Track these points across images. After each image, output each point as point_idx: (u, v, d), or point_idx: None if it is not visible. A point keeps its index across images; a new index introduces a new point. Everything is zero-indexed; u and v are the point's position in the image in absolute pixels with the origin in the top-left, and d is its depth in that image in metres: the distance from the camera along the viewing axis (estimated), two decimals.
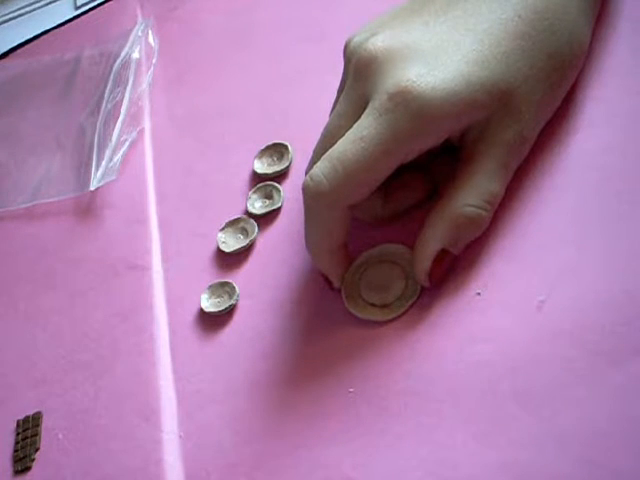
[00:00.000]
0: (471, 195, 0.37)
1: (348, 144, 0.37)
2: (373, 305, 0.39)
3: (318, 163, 0.38)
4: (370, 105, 0.37)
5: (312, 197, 0.38)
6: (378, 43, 0.39)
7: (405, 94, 0.36)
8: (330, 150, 0.38)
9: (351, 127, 0.38)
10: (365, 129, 0.37)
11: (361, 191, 0.38)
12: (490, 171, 0.37)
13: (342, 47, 0.51)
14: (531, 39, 0.38)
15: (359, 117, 0.38)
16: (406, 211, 0.41)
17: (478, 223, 0.37)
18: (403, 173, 0.39)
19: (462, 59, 0.37)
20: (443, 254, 0.37)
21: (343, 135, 0.38)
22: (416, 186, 0.41)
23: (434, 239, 0.37)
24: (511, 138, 0.37)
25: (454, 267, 0.38)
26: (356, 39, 0.41)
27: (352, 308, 0.39)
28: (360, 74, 0.39)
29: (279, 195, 0.46)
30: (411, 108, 0.36)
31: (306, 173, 0.40)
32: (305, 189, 0.38)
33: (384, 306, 0.39)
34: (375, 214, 0.41)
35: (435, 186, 0.40)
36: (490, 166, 0.37)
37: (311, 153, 0.47)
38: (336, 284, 0.40)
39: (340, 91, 0.42)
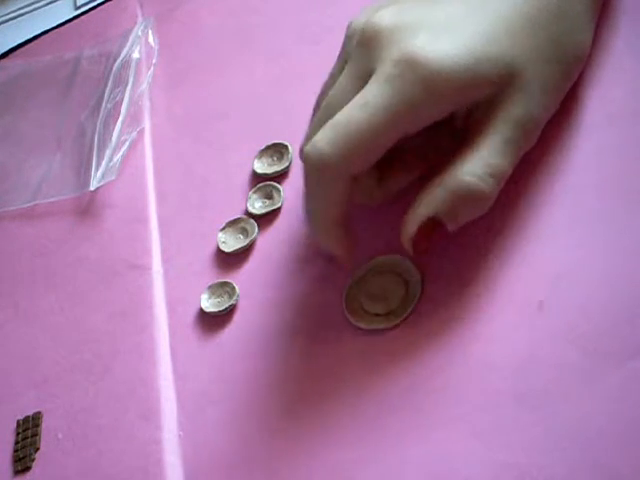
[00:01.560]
0: (474, 165, 0.35)
1: (353, 111, 0.36)
2: (377, 315, 0.39)
3: (320, 132, 0.36)
4: (375, 73, 0.36)
5: (315, 167, 0.36)
6: (385, 17, 0.38)
7: (411, 61, 0.35)
8: (332, 119, 0.36)
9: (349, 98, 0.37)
10: (370, 96, 0.35)
11: (366, 159, 0.36)
12: (497, 145, 0.36)
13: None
14: (539, 23, 0.37)
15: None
16: (401, 190, 0.40)
17: (478, 197, 0.35)
18: (398, 153, 0.38)
19: (470, 34, 0.36)
20: (434, 223, 0.36)
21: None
22: (412, 164, 0.39)
23: (426, 204, 0.36)
24: (520, 115, 0.36)
25: (455, 268, 0.38)
26: (360, 17, 0.40)
27: (356, 321, 0.39)
28: (365, 46, 0.38)
29: (279, 195, 0.46)
30: (418, 75, 0.35)
31: (301, 149, 0.39)
32: (307, 158, 0.37)
33: (387, 314, 0.39)
34: (370, 194, 0.40)
35: (431, 166, 0.38)
36: (497, 140, 0.36)
37: None
38: (343, 258, 0.39)
39: (336, 70, 0.41)
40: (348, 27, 0.41)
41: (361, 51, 0.38)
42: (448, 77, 0.35)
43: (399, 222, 0.41)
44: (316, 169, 0.36)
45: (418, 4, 0.39)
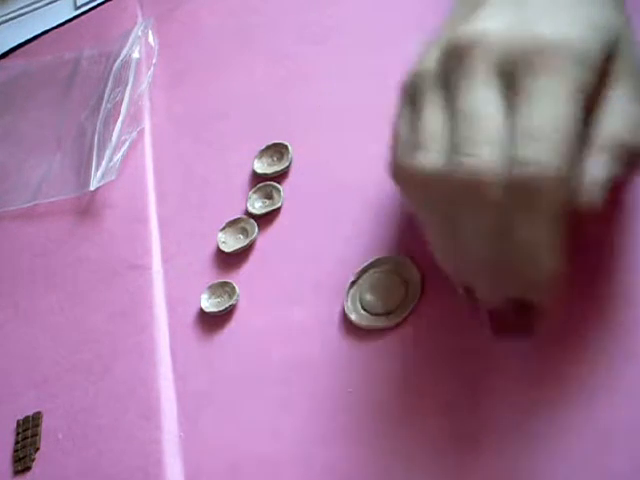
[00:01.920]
0: (616, 122, 0.34)
1: (541, 111, 0.32)
2: (377, 314, 0.39)
3: (520, 146, 0.32)
4: (525, 73, 0.33)
5: (546, 185, 0.31)
6: (477, 28, 0.35)
7: (556, 45, 0.33)
8: (519, 128, 0.32)
9: (503, 109, 0.33)
10: (545, 92, 0.33)
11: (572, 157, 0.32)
12: (628, 96, 0.35)
13: (342, 47, 0.52)
14: None
15: (505, 94, 0.34)
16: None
17: (635, 146, 0.33)
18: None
19: (571, 12, 0.35)
20: (611, 185, 0.33)
21: (504, 113, 0.33)
22: (526, 321, 0.34)
23: (597, 171, 0.32)
24: (634, 67, 0.36)
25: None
26: (428, 57, 0.38)
27: (358, 321, 0.39)
28: (479, 57, 0.35)
29: (279, 195, 0.46)
30: (572, 55, 0.33)
31: (478, 182, 0.32)
32: (526, 179, 0.31)
33: (388, 313, 0.39)
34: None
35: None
36: (626, 92, 0.35)
37: (311, 153, 0.47)
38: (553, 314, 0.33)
39: (429, 106, 0.36)
40: (415, 72, 0.38)
41: (468, 67, 0.35)
42: (592, 48, 0.34)
43: (399, 222, 0.41)
44: (546, 189, 0.31)
45: (497, 10, 0.37)
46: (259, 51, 0.55)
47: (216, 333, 0.42)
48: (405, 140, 0.36)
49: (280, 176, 0.47)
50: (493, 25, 0.36)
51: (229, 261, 0.45)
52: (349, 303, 0.40)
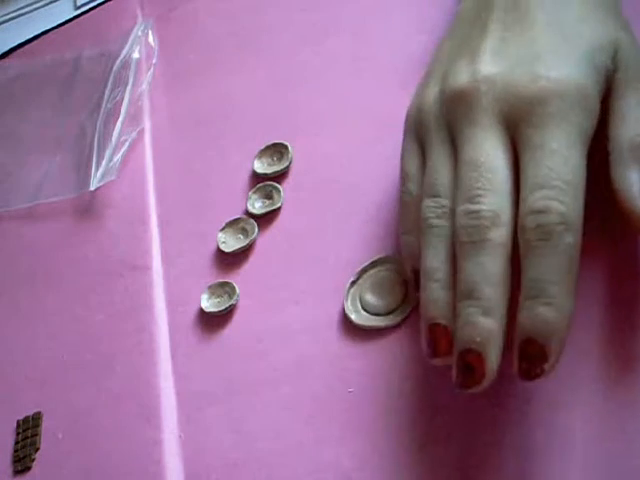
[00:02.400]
0: (634, 127, 0.34)
1: (546, 162, 0.33)
2: (377, 314, 0.39)
3: (531, 198, 0.32)
4: (527, 123, 0.34)
5: (559, 232, 0.32)
6: (478, 73, 0.36)
7: (557, 91, 0.34)
8: (527, 182, 0.33)
9: (510, 158, 0.34)
10: (549, 142, 0.33)
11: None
12: (637, 104, 0.35)
13: (342, 47, 0.52)
14: (594, 1, 0.38)
15: (510, 144, 0.35)
16: None
17: None
18: None
19: (565, 40, 0.36)
20: None
21: (507, 165, 0.34)
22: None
23: (632, 182, 0.33)
24: (638, 72, 0.36)
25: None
26: (428, 93, 0.39)
27: (358, 321, 0.39)
28: (481, 105, 0.35)
29: (279, 195, 0.46)
30: (572, 100, 0.34)
31: (482, 225, 0.33)
32: (541, 226, 0.32)
33: (387, 313, 0.39)
34: None
35: None
36: (635, 98, 0.35)
37: (311, 153, 0.47)
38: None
39: (435, 155, 0.37)
40: (419, 104, 0.39)
41: (477, 117, 0.35)
42: (590, 88, 0.35)
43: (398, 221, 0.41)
44: (559, 235, 0.32)
45: (494, 51, 0.37)
46: (259, 51, 0.55)
47: (216, 333, 0.42)
48: (414, 180, 0.38)
49: (280, 176, 0.47)
50: (494, 69, 0.36)
51: (229, 261, 0.45)
52: (349, 303, 0.40)
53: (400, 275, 0.40)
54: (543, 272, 0.31)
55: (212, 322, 0.43)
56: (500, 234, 0.33)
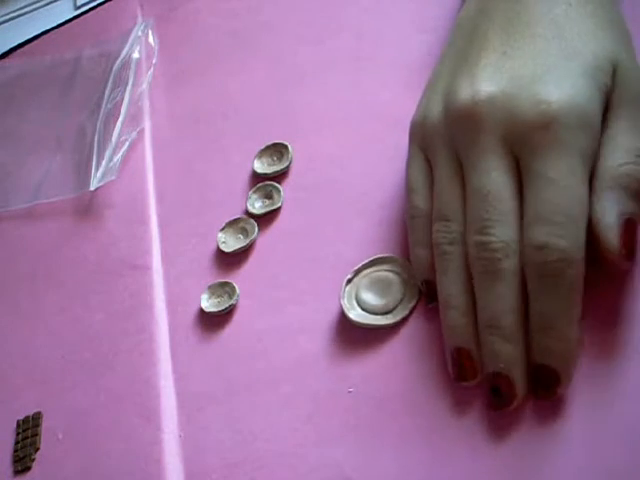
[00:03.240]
0: (620, 156, 0.34)
1: (547, 194, 0.34)
2: (375, 314, 0.39)
3: (531, 231, 0.34)
4: (528, 150, 0.35)
5: (561, 268, 0.33)
6: (480, 93, 0.36)
7: (558, 117, 0.34)
8: (529, 212, 0.34)
9: (514, 184, 0.35)
10: (549, 170, 0.34)
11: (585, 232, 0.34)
12: (629, 128, 0.35)
13: (342, 47, 0.52)
14: (594, 17, 0.37)
15: (514, 169, 0.35)
16: None
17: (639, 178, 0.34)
18: None
19: (565, 58, 0.36)
20: (629, 224, 0.33)
21: (513, 193, 0.35)
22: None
23: (608, 211, 0.33)
24: (634, 95, 0.36)
25: None
26: (432, 107, 0.39)
27: (356, 319, 0.39)
28: (485, 128, 0.36)
29: (279, 195, 0.46)
30: (573, 126, 0.34)
31: (495, 257, 0.34)
32: (545, 263, 0.33)
33: (387, 312, 0.39)
34: None
35: None
36: (627, 124, 0.35)
37: (311, 153, 0.47)
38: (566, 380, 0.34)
39: (444, 174, 0.38)
40: (420, 122, 0.40)
41: (480, 138, 0.36)
42: (590, 109, 0.35)
43: (398, 222, 0.41)
44: (561, 271, 0.33)
45: (495, 66, 0.37)
46: (259, 51, 0.55)
47: (216, 333, 0.42)
48: (421, 194, 0.39)
49: (280, 176, 0.47)
50: (494, 88, 0.36)
51: (229, 261, 0.45)
52: (345, 301, 0.40)
53: (399, 275, 0.40)
54: (547, 306, 0.33)
55: (212, 322, 0.43)
56: (511, 263, 0.34)
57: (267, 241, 0.45)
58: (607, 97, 0.36)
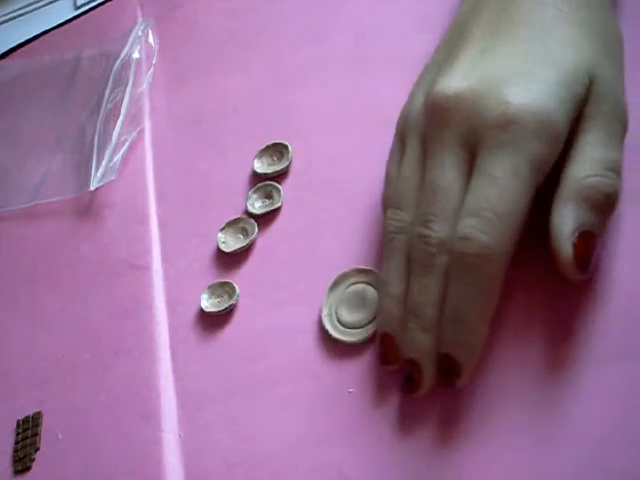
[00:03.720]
0: (587, 167, 0.34)
1: (484, 190, 0.34)
2: (353, 328, 0.39)
3: (460, 223, 0.34)
4: (482, 147, 0.35)
5: (478, 262, 0.34)
6: (450, 88, 0.37)
7: (518, 119, 0.34)
8: (464, 206, 0.35)
9: (465, 180, 0.35)
10: (495, 170, 0.34)
11: (517, 234, 0.34)
12: (600, 141, 0.35)
13: (342, 47, 0.52)
14: (581, 24, 0.37)
15: (467, 166, 0.36)
16: None
17: (605, 192, 0.34)
18: None
19: (541, 63, 0.36)
20: (586, 236, 0.33)
21: (461, 188, 0.35)
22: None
23: (566, 221, 0.34)
24: (609, 108, 0.36)
25: None
26: (416, 100, 0.39)
27: (337, 336, 0.39)
28: (449, 124, 0.36)
29: (279, 195, 0.46)
30: (530, 130, 0.34)
31: (433, 251, 0.35)
32: (464, 254, 0.34)
33: (367, 324, 0.39)
34: None
35: None
36: (599, 136, 0.35)
37: (311, 153, 0.47)
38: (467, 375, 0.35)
39: (410, 158, 0.39)
40: (405, 114, 0.40)
41: (446, 132, 0.36)
42: (555, 117, 0.35)
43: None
44: (479, 264, 0.34)
45: (469, 61, 0.38)
46: (259, 51, 0.55)
47: (216, 333, 0.42)
48: (393, 182, 0.39)
49: (280, 176, 0.47)
50: (464, 84, 0.37)
51: (229, 261, 0.45)
52: (330, 327, 0.39)
53: (371, 287, 0.40)
54: (460, 298, 0.34)
55: (212, 322, 0.43)
56: (443, 261, 0.35)
57: (267, 241, 0.45)
58: (580, 108, 0.36)
